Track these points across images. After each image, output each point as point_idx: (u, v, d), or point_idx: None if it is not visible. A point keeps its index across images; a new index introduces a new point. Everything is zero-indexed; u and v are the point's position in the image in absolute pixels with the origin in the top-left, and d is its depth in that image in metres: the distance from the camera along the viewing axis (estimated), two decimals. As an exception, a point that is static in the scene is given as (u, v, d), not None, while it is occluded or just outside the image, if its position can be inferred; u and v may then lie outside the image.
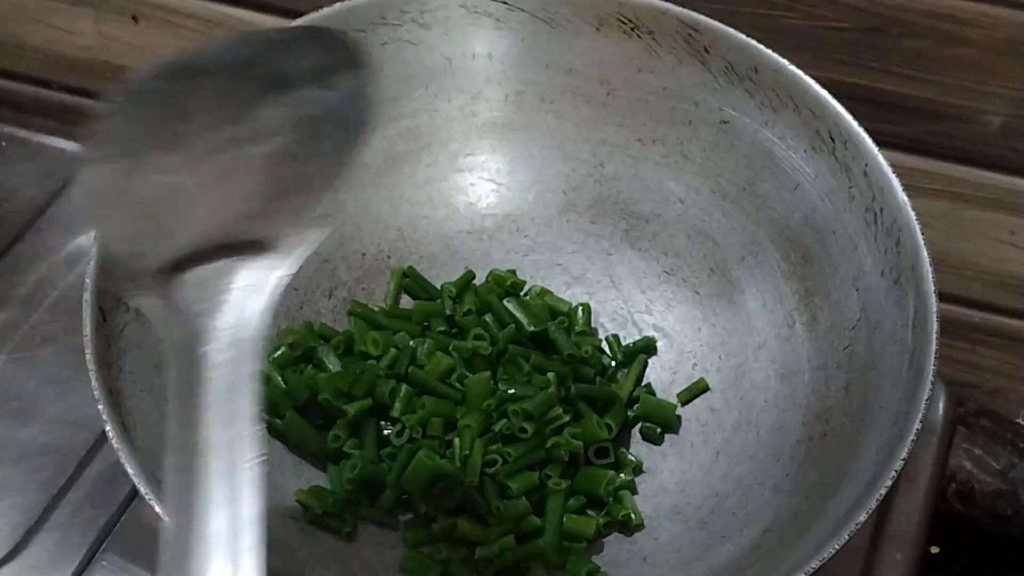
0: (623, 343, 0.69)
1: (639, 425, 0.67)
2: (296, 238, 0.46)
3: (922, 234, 0.60)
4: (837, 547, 0.52)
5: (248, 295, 0.43)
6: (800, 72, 0.65)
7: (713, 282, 0.69)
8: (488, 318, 0.67)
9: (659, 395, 0.67)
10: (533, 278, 0.71)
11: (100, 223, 0.48)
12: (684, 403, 0.67)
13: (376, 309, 0.68)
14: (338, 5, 0.68)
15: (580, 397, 0.65)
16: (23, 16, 0.96)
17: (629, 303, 0.70)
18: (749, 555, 0.59)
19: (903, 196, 0.61)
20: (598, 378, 0.66)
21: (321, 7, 0.68)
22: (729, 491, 0.63)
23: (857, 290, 0.63)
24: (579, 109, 0.71)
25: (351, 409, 0.62)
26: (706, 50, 0.67)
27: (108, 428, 0.55)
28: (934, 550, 0.92)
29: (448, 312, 0.68)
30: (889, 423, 0.57)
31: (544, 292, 0.70)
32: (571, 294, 0.71)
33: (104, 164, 0.45)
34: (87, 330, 0.57)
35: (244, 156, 0.46)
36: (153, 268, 0.44)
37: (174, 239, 0.44)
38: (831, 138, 0.64)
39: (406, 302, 0.70)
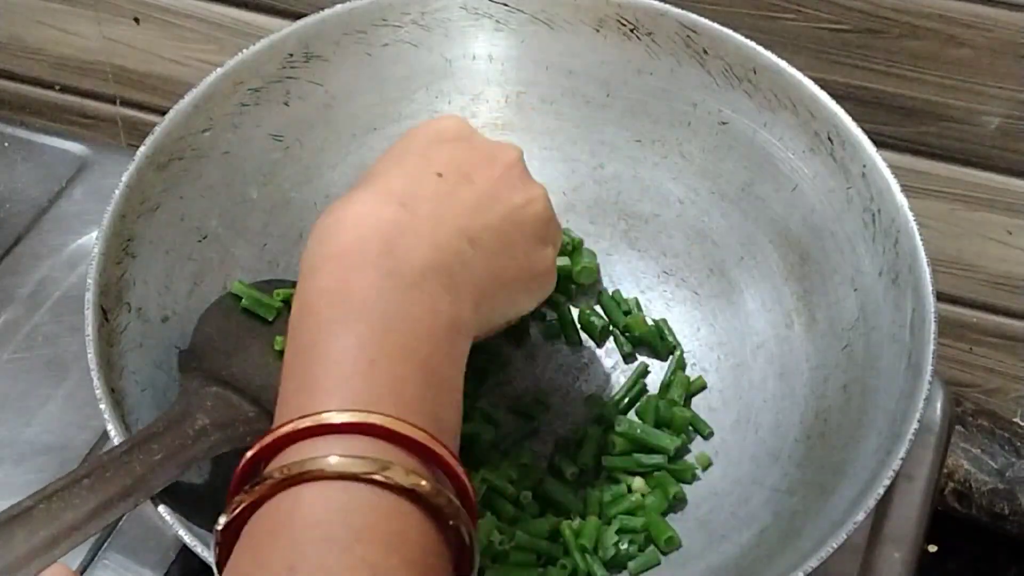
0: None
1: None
2: None
3: (920, 234, 0.61)
4: (835, 546, 0.52)
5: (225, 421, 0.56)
6: (799, 73, 0.65)
7: (712, 282, 0.69)
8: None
9: (659, 395, 0.67)
10: (533, 278, 0.71)
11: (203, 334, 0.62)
12: (683, 402, 0.67)
13: None
14: (338, 7, 0.68)
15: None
16: (25, 17, 0.96)
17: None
18: (748, 554, 0.59)
19: (901, 197, 0.62)
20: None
21: (322, 8, 0.68)
22: (728, 490, 0.63)
23: (855, 290, 0.63)
24: (579, 110, 0.71)
25: None
26: (705, 51, 0.67)
27: (110, 427, 0.55)
28: (932, 549, 0.92)
29: None
30: (887, 423, 0.57)
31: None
32: (571, 294, 0.71)
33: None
34: (89, 330, 0.57)
35: None
36: (209, 372, 0.59)
37: (232, 370, 0.59)
38: (829, 139, 0.64)
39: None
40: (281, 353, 0.61)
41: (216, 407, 0.56)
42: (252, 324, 0.63)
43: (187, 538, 0.52)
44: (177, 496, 0.54)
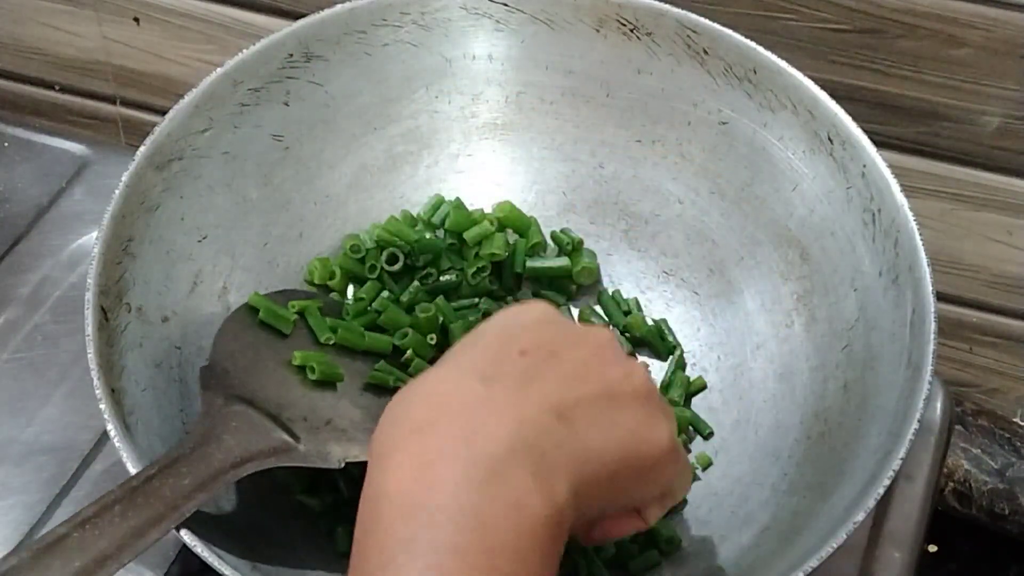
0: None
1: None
2: (315, 451, 0.58)
3: (920, 234, 0.61)
4: (835, 546, 0.52)
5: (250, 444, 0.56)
6: (798, 73, 0.65)
7: (712, 282, 0.69)
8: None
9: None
10: (533, 278, 0.71)
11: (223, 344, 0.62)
12: (683, 402, 0.67)
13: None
14: (339, 7, 0.68)
15: None
16: (25, 17, 0.96)
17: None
18: (748, 554, 0.59)
19: (901, 196, 0.62)
20: None
21: (322, 8, 0.68)
22: (728, 490, 0.63)
23: (855, 290, 0.63)
24: (579, 110, 0.71)
25: None
26: (705, 51, 0.67)
27: (110, 427, 0.55)
28: (932, 549, 0.92)
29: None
30: (887, 422, 0.57)
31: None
32: (571, 294, 0.71)
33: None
34: (89, 330, 0.57)
35: (349, 392, 0.62)
36: (231, 388, 0.59)
37: (252, 386, 0.59)
38: (829, 139, 0.64)
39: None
40: (299, 369, 0.61)
41: (240, 428, 0.56)
42: (269, 338, 0.63)
43: (187, 538, 0.52)
44: (191, 514, 0.53)
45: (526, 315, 0.52)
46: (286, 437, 0.57)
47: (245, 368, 0.60)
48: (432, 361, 0.64)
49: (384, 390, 0.62)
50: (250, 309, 0.63)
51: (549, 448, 0.46)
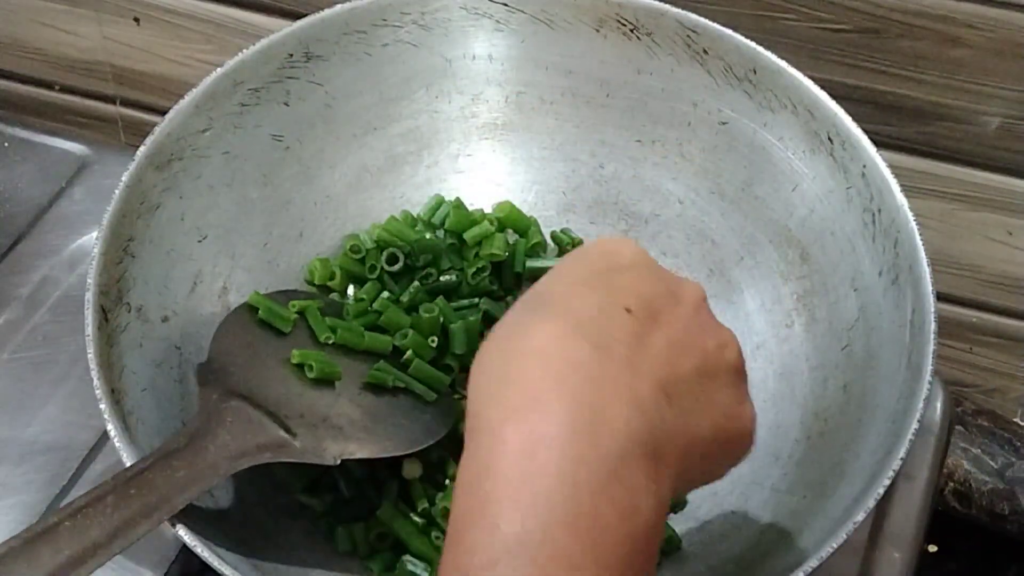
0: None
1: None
2: (312, 447, 0.57)
3: (920, 234, 0.61)
4: (835, 546, 0.52)
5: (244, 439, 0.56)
6: (798, 73, 0.65)
7: (712, 282, 0.69)
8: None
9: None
10: (533, 278, 0.71)
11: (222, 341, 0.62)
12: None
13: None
14: (338, 7, 0.68)
15: None
16: (25, 17, 0.96)
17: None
18: (748, 554, 0.59)
19: (901, 197, 0.62)
20: None
21: (322, 8, 0.68)
22: (728, 490, 0.63)
23: (855, 290, 0.63)
24: (579, 110, 0.71)
25: None
26: (705, 51, 0.67)
27: (110, 427, 0.55)
28: (932, 549, 0.92)
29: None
30: (887, 423, 0.57)
31: None
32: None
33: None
34: (89, 330, 0.57)
35: (347, 391, 0.62)
36: (228, 385, 0.58)
37: (250, 383, 0.59)
38: (829, 139, 0.64)
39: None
40: (298, 367, 0.61)
41: (235, 423, 0.56)
42: (268, 337, 0.63)
43: (187, 537, 0.52)
44: (191, 513, 0.53)
45: (621, 256, 0.49)
46: (282, 433, 0.57)
47: (243, 365, 0.60)
48: (433, 362, 0.64)
49: (383, 389, 0.62)
50: (250, 308, 0.63)
51: (660, 437, 0.43)
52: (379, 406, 0.61)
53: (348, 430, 0.59)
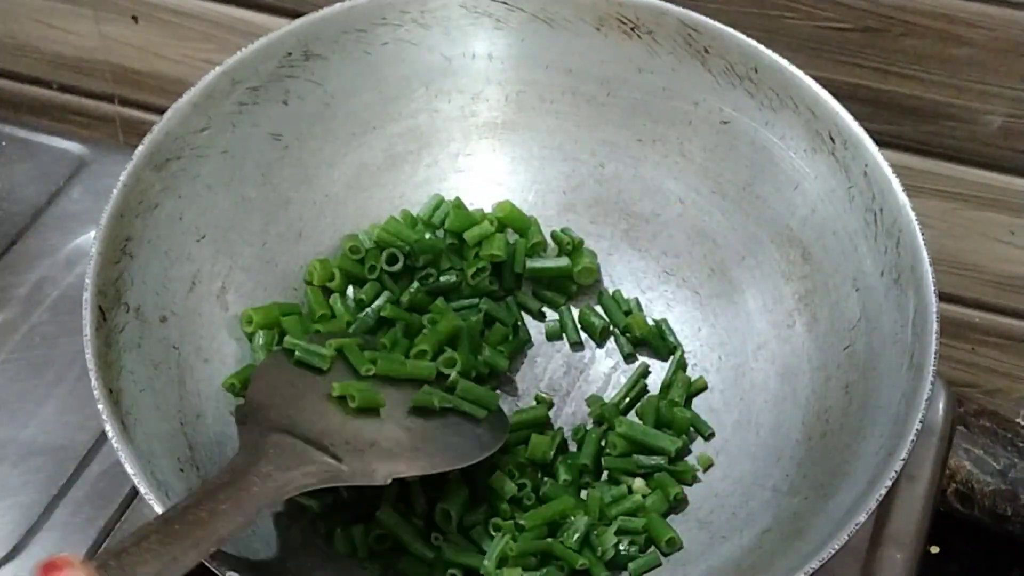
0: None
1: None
2: (360, 470, 0.57)
3: (922, 234, 0.60)
4: (837, 547, 0.52)
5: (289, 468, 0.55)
6: (800, 72, 0.65)
7: (713, 282, 0.69)
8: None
9: (659, 396, 0.67)
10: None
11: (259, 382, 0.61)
12: (684, 403, 0.67)
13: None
14: (338, 5, 0.68)
15: None
16: (23, 16, 0.96)
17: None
18: (749, 555, 0.59)
19: (903, 196, 0.61)
20: None
21: (321, 7, 0.68)
22: (729, 491, 0.63)
23: (857, 290, 0.63)
24: (579, 109, 0.71)
25: None
26: (706, 50, 0.67)
27: (108, 428, 0.55)
28: (934, 550, 0.92)
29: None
30: (889, 423, 0.57)
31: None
32: (571, 294, 0.71)
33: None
34: (87, 330, 0.57)
35: (393, 416, 0.61)
36: (268, 422, 0.58)
37: (291, 418, 0.59)
38: (831, 138, 0.64)
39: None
40: (340, 399, 0.60)
41: (279, 454, 0.55)
42: (306, 375, 0.62)
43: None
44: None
45: None
46: (328, 459, 0.56)
47: (282, 402, 0.59)
48: (478, 380, 0.64)
49: (430, 412, 0.62)
50: (286, 352, 0.63)
51: None
52: (428, 427, 0.61)
53: (396, 451, 0.59)
